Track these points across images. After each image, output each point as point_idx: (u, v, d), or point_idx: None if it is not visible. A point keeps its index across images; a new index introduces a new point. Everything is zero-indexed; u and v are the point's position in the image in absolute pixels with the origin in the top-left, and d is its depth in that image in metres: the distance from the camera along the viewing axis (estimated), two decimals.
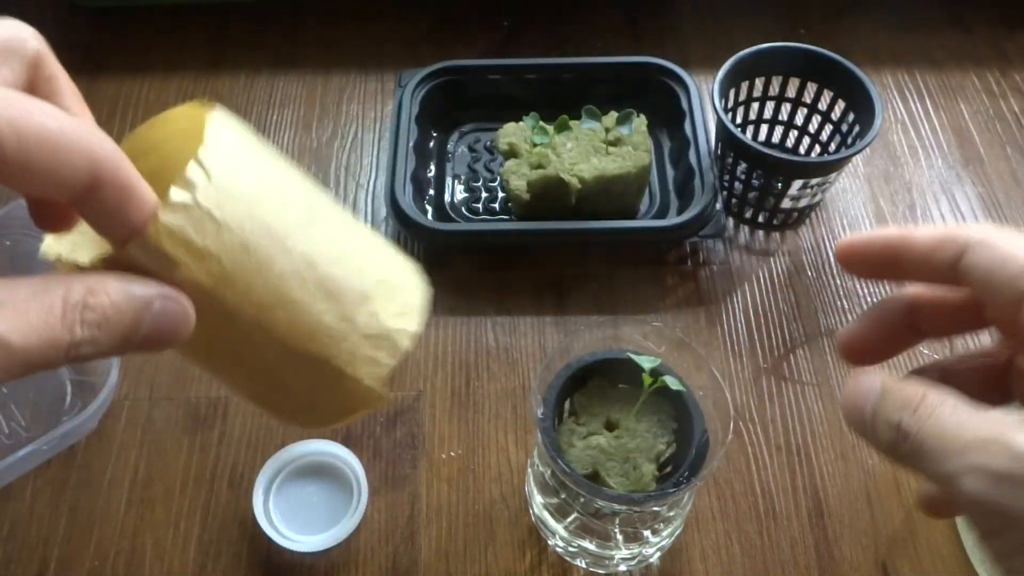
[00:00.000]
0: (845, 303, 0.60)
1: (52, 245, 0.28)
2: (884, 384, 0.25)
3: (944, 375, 0.30)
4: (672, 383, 0.41)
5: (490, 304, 0.60)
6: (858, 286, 0.61)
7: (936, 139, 0.71)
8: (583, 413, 0.44)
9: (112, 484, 0.52)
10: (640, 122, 0.62)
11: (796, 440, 0.54)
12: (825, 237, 0.64)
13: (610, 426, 0.44)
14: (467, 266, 0.62)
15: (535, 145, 0.61)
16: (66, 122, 0.22)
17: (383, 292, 0.29)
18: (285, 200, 0.27)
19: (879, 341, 0.31)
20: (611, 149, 0.61)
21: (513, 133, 0.62)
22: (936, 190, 0.67)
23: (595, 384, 0.45)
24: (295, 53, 0.77)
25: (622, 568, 0.48)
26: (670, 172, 0.66)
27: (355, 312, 0.28)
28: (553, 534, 0.47)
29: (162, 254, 0.24)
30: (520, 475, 0.52)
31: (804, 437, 0.54)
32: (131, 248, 0.24)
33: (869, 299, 0.60)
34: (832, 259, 0.63)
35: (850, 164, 0.65)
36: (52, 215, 0.27)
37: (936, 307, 0.30)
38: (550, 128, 0.61)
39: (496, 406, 0.55)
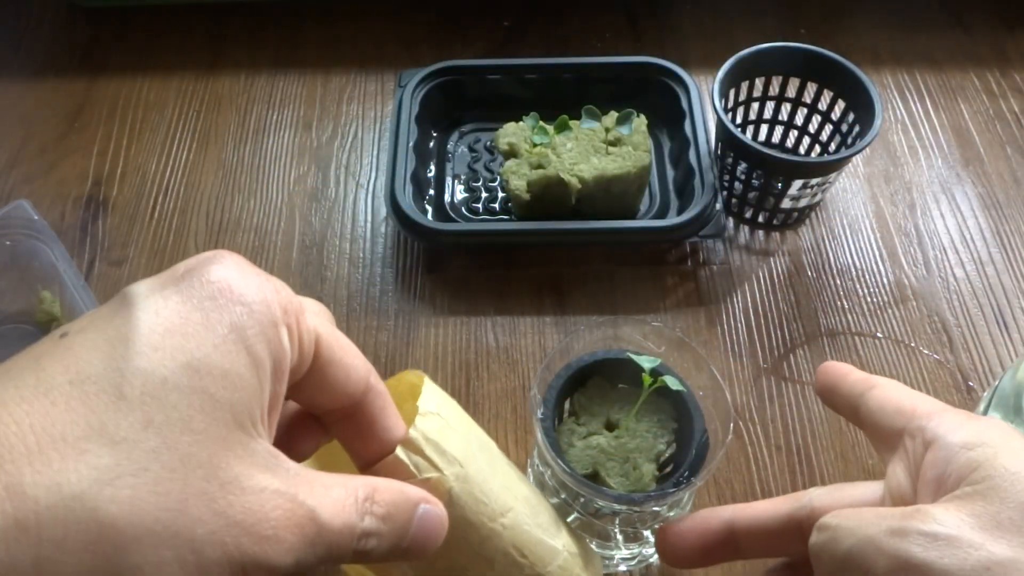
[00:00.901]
0: (845, 303, 0.60)
1: None
2: None
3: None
4: (672, 383, 0.41)
5: (490, 304, 0.60)
6: (858, 286, 0.61)
7: (936, 139, 0.71)
8: (583, 413, 0.44)
9: None
10: (640, 122, 0.62)
11: (796, 440, 0.54)
12: (825, 237, 0.64)
13: (610, 426, 0.44)
14: (467, 266, 0.62)
15: (535, 145, 0.61)
16: (353, 345, 0.28)
17: (572, 559, 0.36)
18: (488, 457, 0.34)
19: (699, 548, 0.37)
20: (611, 149, 0.61)
21: (513, 133, 0.62)
22: (936, 190, 0.67)
23: (595, 384, 0.45)
24: (295, 53, 0.77)
25: (622, 568, 0.47)
26: (670, 172, 0.66)
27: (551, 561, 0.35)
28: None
29: (420, 454, 0.29)
30: None
31: (804, 437, 0.54)
32: (398, 450, 0.28)
33: (869, 299, 0.61)
34: (832, 259, 0.63)
35: (850, 164, 0.65)
36: (288, 444, 0.30)
37: (753, 529, 0.36)
38: (550, 128, 0.61)
39: (496, 406, 0.55)
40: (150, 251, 0.63)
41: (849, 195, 0.67)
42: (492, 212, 0.65)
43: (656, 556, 0.47)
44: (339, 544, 0.25)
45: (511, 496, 0.33)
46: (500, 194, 0.65)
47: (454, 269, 0.62)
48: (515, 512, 0.33)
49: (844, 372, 0.37)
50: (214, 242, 0.64)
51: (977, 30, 0.78)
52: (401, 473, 0.28)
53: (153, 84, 0.74)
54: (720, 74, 0.60)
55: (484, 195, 0.65)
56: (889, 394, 0.34)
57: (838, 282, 0.62)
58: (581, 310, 0.60)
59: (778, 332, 0.59)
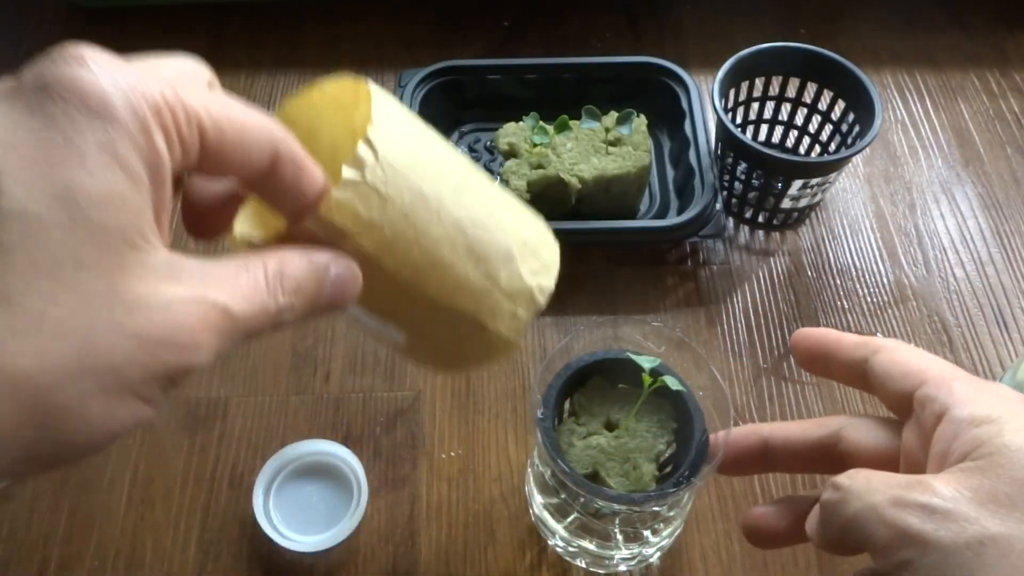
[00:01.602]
0: (845, 303, 0.60)
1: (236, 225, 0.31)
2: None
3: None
4: (672, 383, 0.41)
5: None
6: (858, 286, 0.61)
7: (936, 139, 0.71)
8: (583, 413, 0.44)
9: (112, 484, 0.52)
10: (640, 122, 0.62)
11: None
12: (825, 237, 0.64)
13: (610, 426, 0.44)
14: None
15: (535, 145, 0.61)
16: (248, 110, 0.25)
17: (523, 251, 0.32)
18: (438, 171, 0.29)
19: (733, 459, 0.38)
20: (611, 149, 0.61)
21: (513, 133, 0.62)
22: (936, 190, 0.67)
23: (595, 384, 0.45)
24: (295, 53, 0.77)
25: (622, 568, 0.48)
26: (670, 172, 0.66)
27: (498, 271, 0.30)
28: (553, 534, 0.47)
29: (333, 227, 0.26)
30: (520, 475, 0.52)
31: None
32: (308, 223, 0.26)
33: (869, 299, 0.61)
34: (832, 259, 0.63)
35: (850, 164, 0.65)
36: (204, 223, 0.30)
37: (786, 448, 0.36)
38: (550, 128, 0.61)
39: (496, 406, 0.55)
40: None
41: (849, 195, 0.67)
42: None
43: (656, 556, 0.47)
44: (256, 327, 0.25)
45: (447, 248, 0.29)
46: None
47: None
48: (446, 267, 0.29)
49: (836, 338, 0.36)
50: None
51: (977, 30, 0.78)
52: (311, 241, 0.27)
53: None
54: (720, 74, 0.60)
55: None
56: (897, 358, 0.33)
57: (838, 282, 0.62)
58: (581, 310, 0.60)
59: (778, 332, 0.59)
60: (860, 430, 0.34)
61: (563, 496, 0.43)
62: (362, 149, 0.26)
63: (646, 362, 0.42)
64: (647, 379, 0.42)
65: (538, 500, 0.47)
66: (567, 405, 0.45)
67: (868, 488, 0.29)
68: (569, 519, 0.44)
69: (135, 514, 0.51)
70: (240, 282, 0.25)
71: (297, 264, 0.26)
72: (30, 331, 0.20)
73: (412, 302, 0.30)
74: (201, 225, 0.30)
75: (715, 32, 0.78)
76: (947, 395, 0.31)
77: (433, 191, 0.28)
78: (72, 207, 0.21)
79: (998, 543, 0.25)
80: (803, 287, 0.61)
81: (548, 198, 0.60)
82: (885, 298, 0.61)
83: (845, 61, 0.61)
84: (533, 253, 0.32)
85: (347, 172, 0.26)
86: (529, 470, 0.48)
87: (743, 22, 0.79)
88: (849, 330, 0.59)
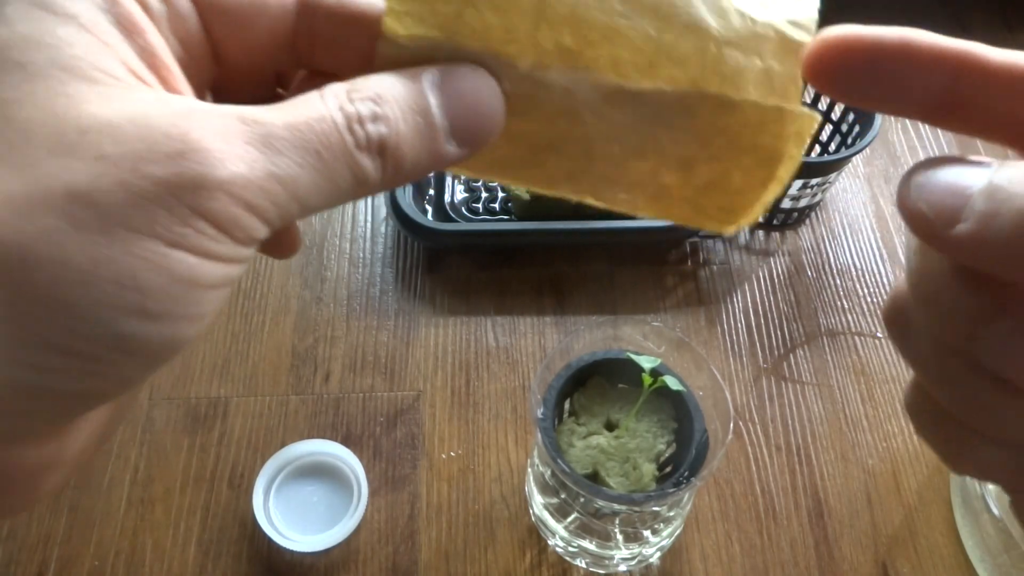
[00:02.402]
0: (845, 303, 0.60)
1: None
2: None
3: None
4: (672, 383, 0.41)
5: (490, 304, 0.60)
6: (858, 286, 0.61)
7: (936, 139, 0.70)
8: (583, 413, 0.44)
9: (112, 484, 0.52)
10: None
11: (796, 440, 0.54)
12: (825, 237, 0.64)
13: (610, 426, 0.44)
14: (467, 266, 0.62)
15: None
16: None
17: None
18: None
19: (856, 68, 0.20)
20: None
21: None
22: None
23: (595, 384, 0.45)
24: None
25: (622, 568, 0.48)
26: None
27: (702, 13, 0.20)
28: (553, 534, 0.47)
29: (413, 29, 0.19)
30: (520, 475, 0.52)
31: (804, 437, 0.54)
32: (380, 47, 0.19)
33: (869, 299, 0.61)
34: (832, 259, 0.63)
35: (850, 164, 0.65)
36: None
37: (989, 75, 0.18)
38: None
39: (496, 406, 0.55)
40: None
41: (849, 195, 0.67)
42: (492, 212, 0.65)
43: (656, 556, 0.47)
44: (324, 145, 0.18)
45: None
46: (500, 194, 0.65)
47: (454, 269, 0.62)
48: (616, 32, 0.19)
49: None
50: None
51: (977, 30, 0.78)
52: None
53: None
54: None
55: (484, 195, 0.65)
56: None
57: (838, 282, 0.62)
58: (581, 310, 0.60)
59: (778, 332, 0.59)
60: None
61: (563, 496, 0.43)
62: None
63: (646, 362, 0.42)
64: (647, 379, 0.42)
65: (538, 500, 0.47)
66: (567, 405, 0.45)
67: None
68: (569, 519, 0.44)
69: (135, 514, 0.51)
70: (280, 105, 0.18)
71: (369, 78, 0.19)
72: None
73: (595, 113, 0.20)
74: None
75: None
76: None
77: None
78: None
79: None
80: (803, 287, 0.61)
81: (548, 198, 0.60)
82: (885, 298, 0.61)
83: None
84: None
85: None
86: (529, 470, 0.48)
87: None
88: (849, 330, 0.59)
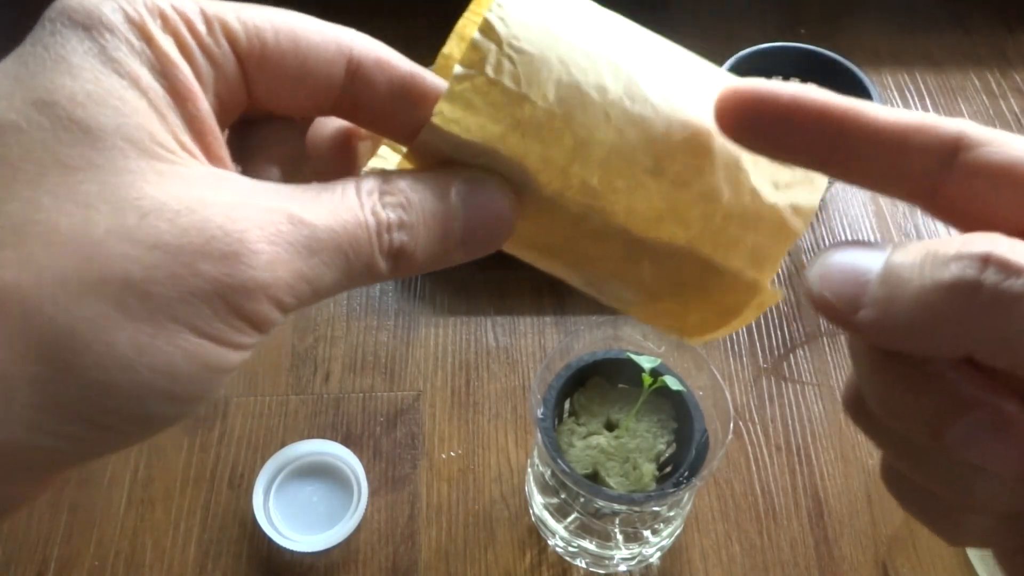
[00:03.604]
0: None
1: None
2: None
3: None
4: (672, 383, 0.41)
5: (490, 304, 0.60)
6: None
7: None
8: (583, 413, 0.44)
9: (112, 484, 0.52)
10: None
11: (796, 440, 0.54)
12: (825, 237, 0.64)
13: (610, 426, 0.44)
14: (467, 266, 0.62)
15: None
16: (315, 20, 0.21)
17: (754, 160, 0.22)
18: (599, 52, 0.22)
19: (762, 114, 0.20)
20: None
21: None
22: None
23: (595, 384, 0.45)
24: None
25: (622, 568, 0.48)
26: None
27: (718, 186, 0.21)
28: (553, 534, 0.47)
29: (455, 142, 0.20)
30: (520, 475, 0.52)
31: (804, 437, 0.54)
32: (423, 135, 0.20)
33: None
34: None
35: None
36: (322, 175, 0.22)
37: (868, 132, 0.19)
38: None
39: (496, 406, 0.55)
40: None
41: (849, 195, 0.67)
42: None
43: (656, 556, 0.47)
44: (353, 249, 0.19)
45: (627, 153, 0.21)
46: None
47: (454, 269, 0.62)
48: (630, 183, 0.21)
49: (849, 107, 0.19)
50: None
51: (977, 30, 0.78)
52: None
53: None
54: None
55: None
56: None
57: None
58: (581, 310, 0.60)
59: (778, 332, 0.59)
60: (998, 146, 0.18)
61: (563, 496, 0.43)
62: (480, 35, 0.20)
63: (646, 362, 0.42)
64: (647, 379, 0.42)
65: (538, 500, 0.47)
66: (567, 405, 0.45)
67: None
68: (569, 519, 0.44)
69: (135, 514, 0.51)
70: (321, 195, 0.19)
71: (403, 182, 0.20)
72: (8, 240, 0.16)
73: (599, 237, 0.22)
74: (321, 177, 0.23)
75: (715, 32, 0.78)
76: None
77: (593, 80, 0.21)
78: (53, 109, 0.17)
79: None
80: (803, 287, 0.61)
81: None
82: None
83: (845, 61, 0.61)
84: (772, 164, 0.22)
85: (458, 68, 0.20)
86: (529, 470, 0.48)
87: (743, 22, 0.79)
88: None
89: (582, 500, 0.42)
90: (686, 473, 0.40)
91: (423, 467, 0.52)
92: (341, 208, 0.19)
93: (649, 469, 0.42)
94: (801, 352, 0.58)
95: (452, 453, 0.53)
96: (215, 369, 0.18)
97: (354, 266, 0.19)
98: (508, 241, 0.23)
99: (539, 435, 0.40)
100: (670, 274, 0.23)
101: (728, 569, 0.49)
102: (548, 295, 0.61)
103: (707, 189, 0.21)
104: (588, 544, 0.45)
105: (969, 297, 0.16)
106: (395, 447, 0.53)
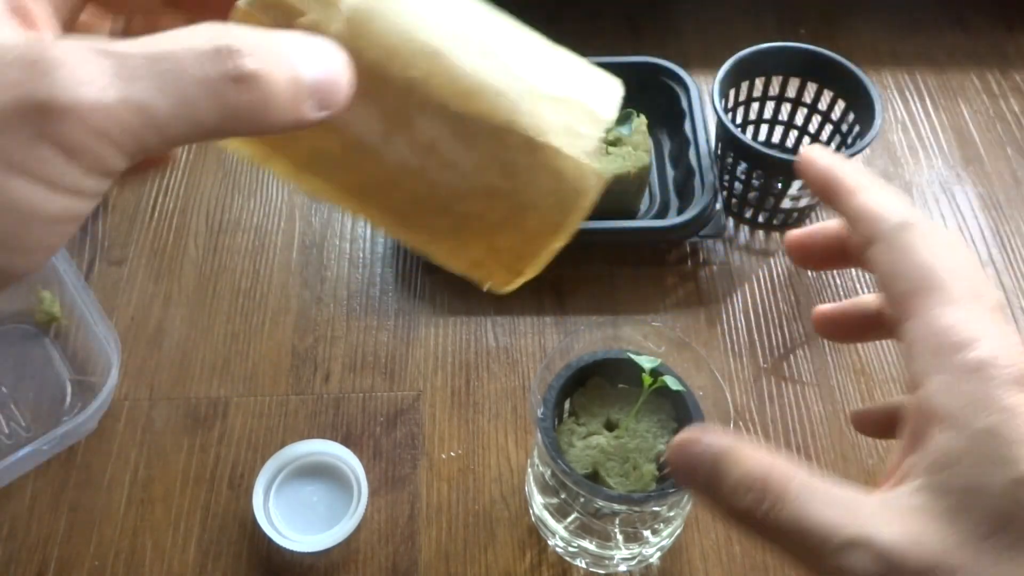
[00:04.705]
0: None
1: None
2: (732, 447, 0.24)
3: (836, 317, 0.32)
4: (672, 383, 0.41)
5: (490, 304, 0.60)
6: (858, 286, 0.61)
7: (936, 139, 0.71)
8: (583, 413, 0.44)
9: (112, 484, 0.52)
10: (640, 122, 0.62)
11: (796, 440, 0.54)
12: None
13: (610, 426, 0.44)
14: None
15: None
16: None
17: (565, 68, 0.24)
18: None
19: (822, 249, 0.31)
20: (611, 149, 0.61)
21: None
22: (936, 190, 0.67)
23: (595, 384, 0.45)
24: None
25: (622, 568, 0.48)
26: (670, 172, 0.66)
27: (534, 74, 0.23)
28: (553, 534, 0.47)
29: (277, 4, 0.20)
30: (520, 475, 0.52)
31: (804, 437, 0.54)
32: (239, 4, 0.20)
33: None
34: None
35: None
36: None
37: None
38: None
39: (496, 406, 0.55)
40: (150, 251, 0.63)
41: None
42: None
43: (656, 556, 0.47)
44: (189, 72, 0.18)
45: (451, 38, 0.23)
46: None
47: None
48: (448, 60, 0.22)
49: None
50: (214, 242, 0.64)
51: (977, 30, 0.78)
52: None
53: None
54: (720, 74, 0.60)
55: None
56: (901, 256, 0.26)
57: (838, 282, 0.62)
58: (581, 310, 0.60)
59: (778, 332, 0.59)
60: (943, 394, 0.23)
61: (563, 496, 0.43)
62: None
63: (646, 362, 0.42)
64: (647, 379, 0.42)
65: (538, 500, 0.47)
66: (567, 405, 0.45)
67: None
68: (569, 519, 0.44)
69: (135, 514, 0.51)
70: (152, 38, 0.18)
71: (246, 27, 0.20)
72: None
73: (425, 114, 0.22)
74: None
75: (715, 32, 0.78)
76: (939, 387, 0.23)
77: None
78: None
79: None
80: (803, 287, 0.61)
81: None
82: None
83: (845, 61, 0.61)
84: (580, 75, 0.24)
85: None
86: (529, 470, 0.48)
87: (743, 22, 0.79)
88: None
89: (582, 500, 0.42)
90: None
91: (423, 467, 0.52)
92: (165, 39, 0.18)
93: (649, 469, 0.42)
94: (801, 352, 0.58)
95: (452, 453, 0.53)
96: (29, 211, 0.17)
97: (194, 93, 0.18)
98: (327, 137, 0.23)
99: (539, 435, 0.40)
100: (497, 163, 0.23)
101: (728, 569, 0.49)
102: (548, 295, 0.61)
103: (524, 74, 0.23)
104: (588, 544, 0.45)
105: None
106: (395, 447, 0.53)
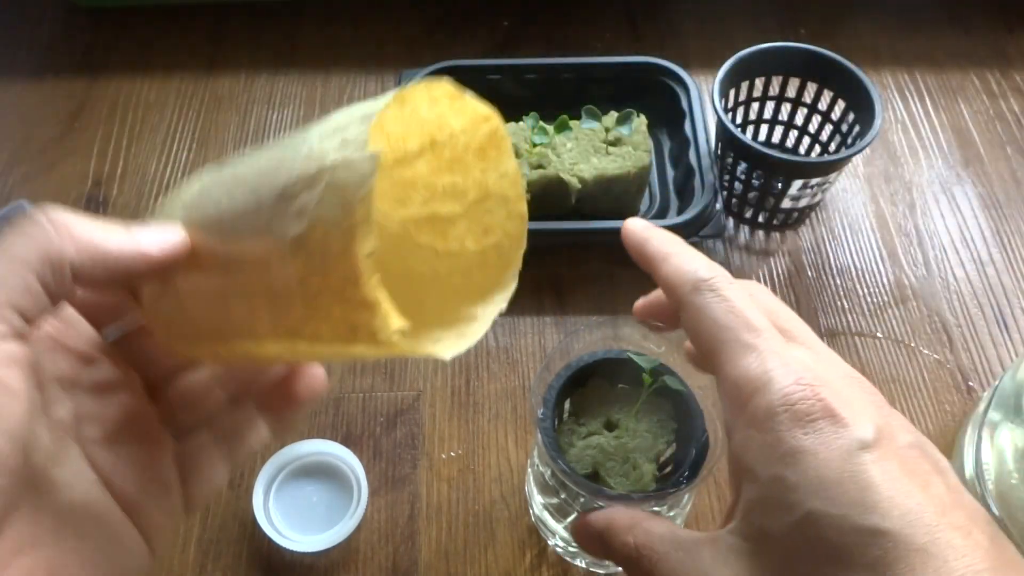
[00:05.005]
0: (845, 303, 0.60)
1: None
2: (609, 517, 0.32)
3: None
4: (672, 383, 0.41)
5: None
6: (858, 286, 0.61)
7: (936, 139, 0.71)
8: (583, 413, 0.44)
9: None
10: (640, 122, 0.62)
11: None
12: (825, 237, 0.64)
13: (610, 426, 0.44)
14: None
15: (535, 145, 0.61)
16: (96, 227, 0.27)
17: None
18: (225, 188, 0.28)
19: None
20: (611, 149, 0.61)
21: (513, 133, 0.62)
22: (936, 190, 0.67)
23: (595, 384, 0.45)
24: (295, 53, 0.77)
25: (621, 568, 0.47)
26: (670, 172, 0.66)
27: (307, 140, 0.25)
28: (553, 534, 0.47)
29: None
30: (520, 475, 0.52)
31: None
32: None
33: (869, 299, 0.61)
34: (832, 259, 0.63)
35: (850, 164, 0.65)
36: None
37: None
38: (550, 128, 0.61)
39: (496, 406, 0.55)
40: None
41: (849, 195, 0.67)
42: None
43: None
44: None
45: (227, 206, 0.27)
46: None
47: None
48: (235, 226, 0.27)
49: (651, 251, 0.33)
50: None
51: (977, 30, 0.78)
52: None
53: (153, 84, 0.74)
54: (720, 74, 0.60)
55: None
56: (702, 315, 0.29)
57: (838, 282, 0.62)
58: (581, 310, 0.60)
59: None
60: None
61: (563, 496, 0.43)
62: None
63: (646, 362, 0.42)
64: (647, 379, 0.42)
65: (538, 500, 0.47)
66: (567, 405, 0.45)
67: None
68: (569, 519, 0.44)
69: None
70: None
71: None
72: None
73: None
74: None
75: (715, 32, 0.78)
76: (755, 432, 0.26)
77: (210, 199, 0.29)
78: None
79: None
80: (803, 287, 0.61)
81: (548, 198, 0.60)
82: (885, 298, 0.61)
83: (845, 61, 0.61)
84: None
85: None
86: (529, 470, 0.48)
87: (743, 22, 0.79)
88: (849, 330, 0.59)
89: (582, 500, 0.42)
90: (686, 473, 0.40)
91: (423, 467, 0.52)
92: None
93: (649, 469, 0.42)
94: None
95: (452, 453, 0.53)
96: None
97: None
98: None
99: (539, 435, 0.40)
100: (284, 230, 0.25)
101: None
102: (548, 295, 0.61)
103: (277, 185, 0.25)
104: None
105: None
106: (395, 447, 0.53)
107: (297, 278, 0.25)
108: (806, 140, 0.67)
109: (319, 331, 0.25)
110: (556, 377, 0.43)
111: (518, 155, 0.61)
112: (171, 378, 0.33)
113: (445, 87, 0.28)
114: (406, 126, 0.30)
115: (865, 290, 0.61)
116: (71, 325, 0.31)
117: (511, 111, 0.64)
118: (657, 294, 0.34)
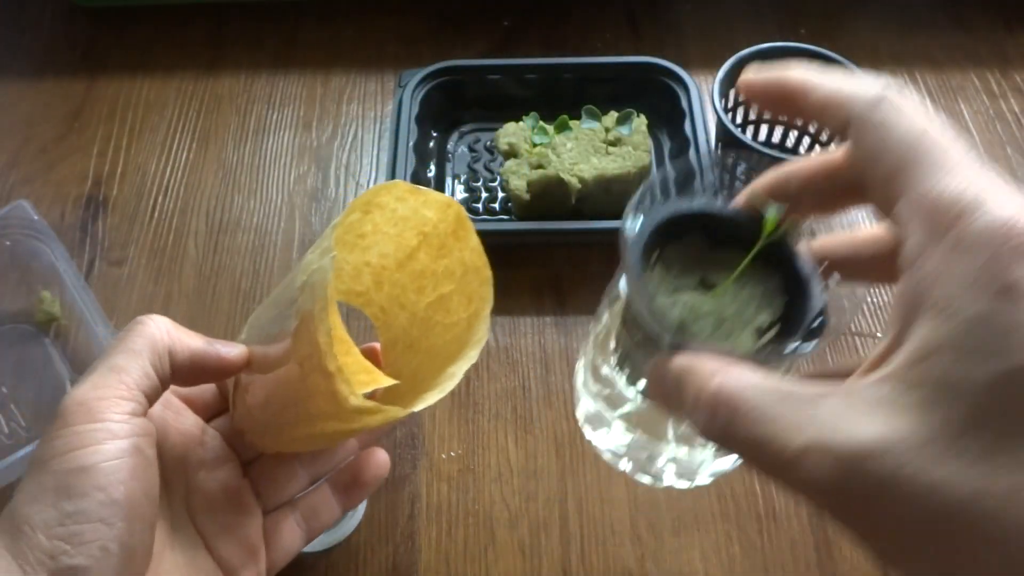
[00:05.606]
0: (845, 303, 0.60)
1: None
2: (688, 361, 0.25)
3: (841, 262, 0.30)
4: (793, 247, 0.34)
5: None
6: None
7: None
8: (673, 267, 0.36)
9: None
10: (640, 122, 0.62)
11: None
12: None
13: (705, 286, 0.35)
14: None
15: (535, 145, 0.61)
16: (186, 343, 0.35)
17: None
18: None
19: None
20: (611, 149, 0.61)
21: (513, 133, 0.62)
22: None
23: (693, 242, 0.36)
24: (295, 53, 0.77)
25: (669, 473, 0.38)
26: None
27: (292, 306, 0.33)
28: (608, 426, 0.38)
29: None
30: (520, 475, 0.52)
31: None
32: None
33: (869, 299, 0.61)
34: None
35: None
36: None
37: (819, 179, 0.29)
38: (550, 128, 0.61)
39: (496, 406, 0.55)
40: (150, 251, 0.63)
41: None
42: (492, 212, 0.65)
43: (709, 476, 0.38)
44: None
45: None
46: (500, 194, 0.65)
47: None
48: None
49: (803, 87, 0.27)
50: (214, 242, 0.64)
51: (977, 30, 0.78)
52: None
53: (153, 84, 0.74)
54: (720, 74, 0.60)
55: (484, 195, 0.65)
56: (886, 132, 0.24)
57: None
58: (581, 310, 0.60)
59: None
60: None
61: (627, 368, 0.36)
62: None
63: (772, 210, 0.34)
64: (770, 222, 0.33)
65: (590, 390, 0.39)
66: (654, 257, 0.36)
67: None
68: (625, 408, 0.37)
69: None
70: None
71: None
72: None
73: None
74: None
75: (715, 32, 0.78)
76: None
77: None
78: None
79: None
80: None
81: (548, 198, 0.60)
82: (885, 298, 0.61)
83: (845, 61, 0.61)
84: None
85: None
86: (579, 365, 0.41)
87: (743, 22, 0.79)
88: (849, 330, 0.59)
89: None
90: (798, 339, 0.32)
91: (423, 467, 0.52)
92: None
93: (747, 340, 0.33)
94: None
95: (452, 453, 0.53)
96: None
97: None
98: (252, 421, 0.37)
99: (627, 257, 0.32)
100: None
101: (728, 569, 0.49)
102: (548, 295, 0.61)
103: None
104: (639, 436, 0.37)
105: None
106: (395, 447, 0.53)
107: (298, 361, 0.32)
108: (806, 140, 0.67)
109: (320, 407, 0.32)
110: (654, 210, 0.35)
111: (518, 155, 0.61)
112: (263, 458, 0.40)
113: (402, 185, 0.36)
114: (397, 226, 0.37)
115: (865, 290, 0.61)
116: (179, 412, 0.38)
117: (511, 111, 0.64)
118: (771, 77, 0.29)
